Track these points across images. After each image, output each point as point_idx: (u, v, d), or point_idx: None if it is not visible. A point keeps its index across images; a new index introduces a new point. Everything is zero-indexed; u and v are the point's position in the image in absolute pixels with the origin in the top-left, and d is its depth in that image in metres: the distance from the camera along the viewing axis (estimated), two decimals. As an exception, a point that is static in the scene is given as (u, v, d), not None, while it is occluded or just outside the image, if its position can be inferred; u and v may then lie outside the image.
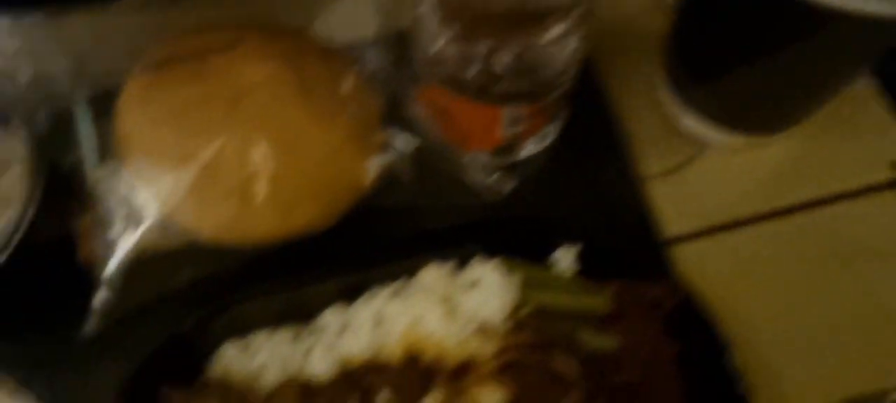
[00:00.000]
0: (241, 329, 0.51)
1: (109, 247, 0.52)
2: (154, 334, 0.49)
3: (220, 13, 0.56)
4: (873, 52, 0.51)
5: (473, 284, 0.49)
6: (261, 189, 0.50)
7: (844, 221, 0.60)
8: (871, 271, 0.57)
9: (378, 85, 0.55)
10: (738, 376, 0.46)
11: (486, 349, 0.47)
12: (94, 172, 0.52)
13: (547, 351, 0.45)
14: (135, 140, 0.51)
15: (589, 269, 0.51)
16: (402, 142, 0.52)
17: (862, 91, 0.64)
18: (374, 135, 0.53)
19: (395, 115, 0.53)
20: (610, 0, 0.65)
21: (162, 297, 0.52)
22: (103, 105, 0.52)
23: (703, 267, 0.56)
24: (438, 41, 0.48)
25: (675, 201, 0.60)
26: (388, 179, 0.54)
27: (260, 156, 0.49)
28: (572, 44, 0.48)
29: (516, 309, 0.48)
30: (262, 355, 0.50)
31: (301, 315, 0.51)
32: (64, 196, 0.53)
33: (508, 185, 0.56)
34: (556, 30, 0.47)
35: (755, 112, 0.59)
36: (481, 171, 0.56)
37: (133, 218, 0.52)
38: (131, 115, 0.51)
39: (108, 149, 0.52)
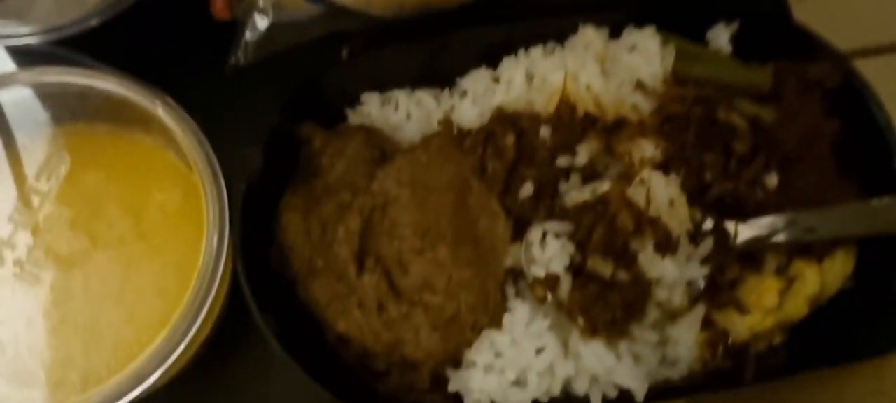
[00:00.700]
0: (382, 85, 0.50)
1: (248, 9, 0.51)
2: (297, 76, 0.49)
3: None
4: None
5: (631, 49, 0.48)
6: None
7: None
8: None
9: None
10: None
11: (644, 106, 0.46)
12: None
13: (710, 105, 0.44)
14: None
15: (745, 52, 0.49)
16: None
17: None
18: None
19: None
20: None
21: (303, 45, 0.51)
22: None
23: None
24: None
25: (823, 23, 0.56)
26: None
27: None
28: None
29: (674, 76, 0.47)
30: (403, 108, 0.50)
31: (441, 79, 0.51)
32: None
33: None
34: None
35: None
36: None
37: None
38: None
39: None
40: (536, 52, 0.48)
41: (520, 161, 0.44)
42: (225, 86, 0.50)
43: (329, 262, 0.44)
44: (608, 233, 0.41)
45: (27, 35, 0.47)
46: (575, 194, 0.43)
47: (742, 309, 0.45)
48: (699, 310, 0.43)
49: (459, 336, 0.42)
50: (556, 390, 0.41)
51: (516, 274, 0.43)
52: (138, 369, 0.39)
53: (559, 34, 0.49)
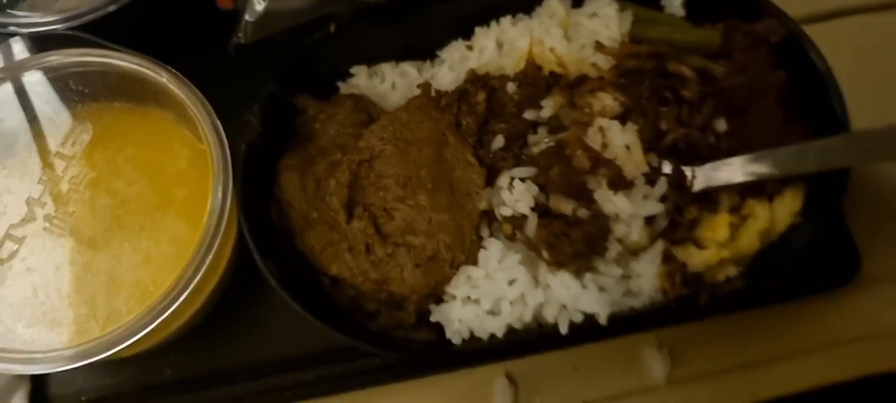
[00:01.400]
0: (370, 59, 0.56)
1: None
2: (292, 53, 0.54)
3: None
4: None
5: (591, 16, 0.52)
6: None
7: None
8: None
9: None
10: (838, 95, 0.49)
11: (603, 64, 0.50)
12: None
13: (662, 58, 0.49)
14: None
15: (697, 16, 0.54)
16: None
17: None
18: None
19: None
20: None
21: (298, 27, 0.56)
22: None
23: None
24: None
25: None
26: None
27: None
28: None
29: (630, 38, 0.51)
30: (388, 79, 0.55)
31: (422, 52, 0.56)
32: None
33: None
34: None
35: None
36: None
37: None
38: None
39: None
40: (506, 21, 0.54)
41: (491, 116, 0.49)
42: (228, 62, 0.55)
43: (322, 213, 0.49)
44: (566, 173, 0.45)
45: (51, 23, 0.52)
46: (540, 143, 0.48)
47: (699, 245, 0.49)
48: (659, 246, 0.48)
49: (439, 272, 0.47)
50: (528, 317, 0.46)
51: (489, 216, 0.48)
52: (154, 306, 0.44)
53: (526, 6, 0.54)
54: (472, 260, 0.47)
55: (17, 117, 0.50)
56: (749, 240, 0.49)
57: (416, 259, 0.46)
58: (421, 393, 0.53)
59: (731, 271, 0.50)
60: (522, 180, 0.46)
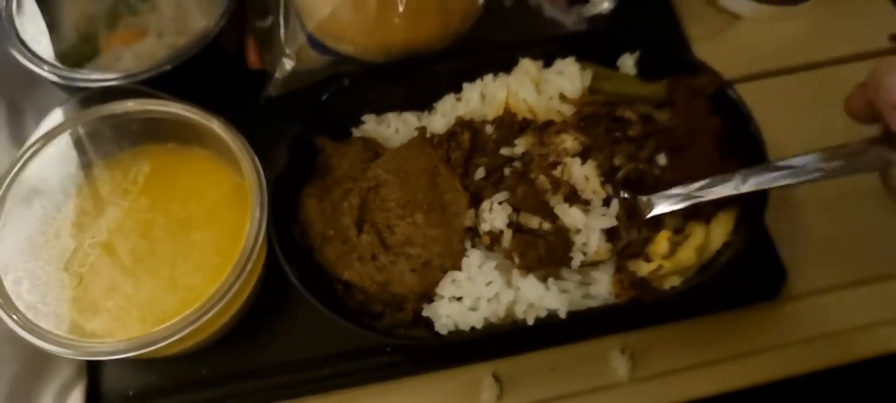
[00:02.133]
0: (378, 109, 0.67)
1: (275, 58, 0.69)
2: (313, 104, 0.66)
3: None
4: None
5: (558, 73, 0.64)
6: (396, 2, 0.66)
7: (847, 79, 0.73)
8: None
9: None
10: (759, 138, 0.60)
11: (567, 111, 0.62)
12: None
13: (614, 105, 0.60)
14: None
15: (646, 73, 0.66)
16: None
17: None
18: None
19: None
20: None
21: (317, 82, 0.68)
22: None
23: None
24: None
25: (714, 58, 0.73)
26: (491, 16, 0.70)
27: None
28: None
29: (590, 91, 0.63)
30: (393, 126, 0.66)
31: (421, 103, 0.68)
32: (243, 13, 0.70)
33: (583, 26, 0.72)
34: None
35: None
36: (561, 14, 0.71)
37: (292, 36, 0.69)
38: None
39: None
40: (488, 78, 0.65)
41: (474, 152, 0.61)
42: (260, 111, 0.67)
43: (337, 231, 0.59)
44: (531, 193, 0.56)
45: (116, 79, 0.63)
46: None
47: (647, 259, 0.60)
48: (613, 260, 0.58)
49: (431, 276, 0.57)
50: (502, 313, 0.56)
51: (472, 232, 0.58)
52: (202, 306, 0.54)
53: (506, 65, 0.65)
54: (458, 267, 0.57)
55: (92, 154, 0.61)
56: (687, 255, 0.59)
57: (413, 265, 0.57)
58: (419, 390, 0.62)
59: (675, 282, 0.60)
60: (499, 203, 0.57)
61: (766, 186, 0.56)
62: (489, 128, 0.60)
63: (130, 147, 0.63)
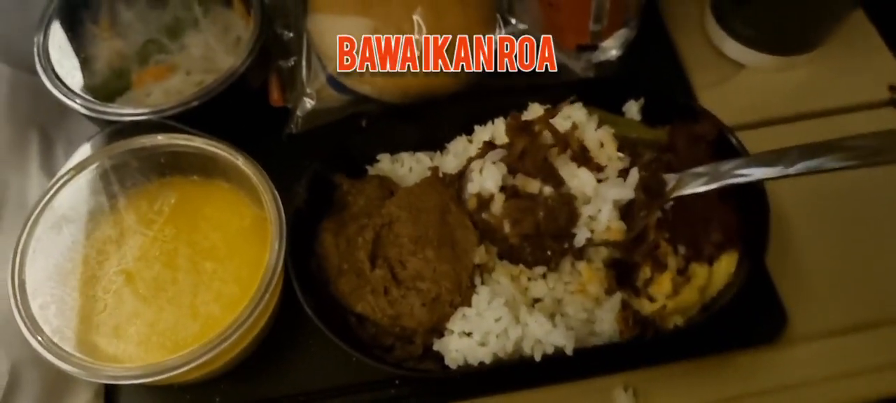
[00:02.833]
0: (393, 148, 0.70)
1: (297, 97, 0.72)
2: (332, 142, 0.69)
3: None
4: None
5: (565, 118, 0.66)
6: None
7: (848, 128, 0.75)
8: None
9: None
10: (760, 184, 0.62)
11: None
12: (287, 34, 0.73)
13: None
14: (322, 3, 0.71)
15: (650, 119, 0.68)
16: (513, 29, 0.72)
17: (864, 24, 0.81)
18: (493, 21, 0.72)
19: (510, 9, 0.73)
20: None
21: (336, 120, 0.71)
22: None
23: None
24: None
25: (717, 105, 0.76)
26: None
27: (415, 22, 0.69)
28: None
29: (595, 135, 0.65)
30: (407, 165, 0.69)
31: (434, 144, 0.70)
32: (268, 54, 0.74)
33: (591, 73, 0.75)
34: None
35: (782, 37, 0.77)
36: (570, 60, 0.74)
37: (314, 76, 0.72)
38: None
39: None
40: (499, 121, 0.68)
41: (483, 191, 0.63)
42: (282, 147, 0.70)
43: (351, 265, 0.62)
44: (532, 149, 0.51)
45: (145, 114, 0.67)
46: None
47: (650, 298, 0.62)
48: (618, 296, 0.60)
49: (441, 311, 0.59)
50: (510, 348, 0.57)
51: (481, 268, 0.60)
52: (221, 334, 0.56)
53: (516, 109, 0.68)
54: (467, 302, 0.59)
55: (120, 184, 0.64)
56: (690, 294, 0.61)
57: (423, 299, 0.59)
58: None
59: (678, 321, 0.62)
60: (494, 163, 0.53)
61: (817, 169, 0.50)
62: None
63: (157, 178, 0.66)
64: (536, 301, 0.60)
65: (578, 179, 0.50)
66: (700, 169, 0.53)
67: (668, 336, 0.60)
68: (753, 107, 0.77)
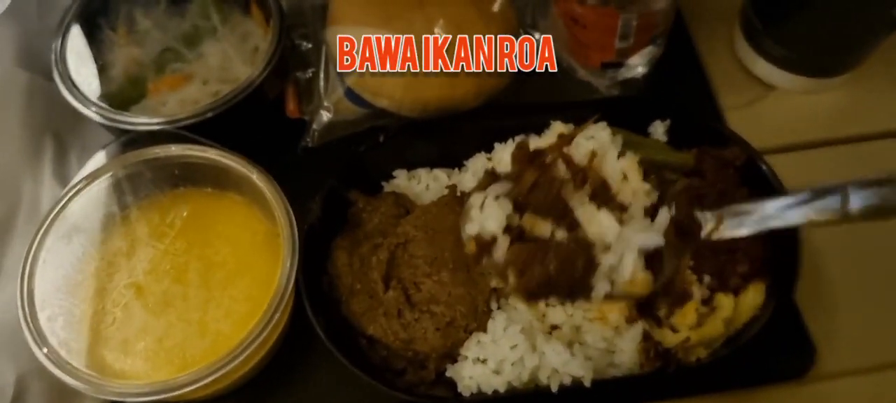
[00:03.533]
0: (409, 164, 0.68)
1: (314, 109, 0.71)
2: (347, 156, 0.67)
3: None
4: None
5: (588, 138, 0.64)
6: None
7: (887, 155, 0.73)
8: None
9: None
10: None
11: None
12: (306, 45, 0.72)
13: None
14: (342, 15, 0.69)
15: (676, 142, 0.66)
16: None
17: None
18: (517, 36, 0.70)
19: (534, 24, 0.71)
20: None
21: (353, 134, 0.69)
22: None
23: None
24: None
25: (746, 128, 0.73)
26: (524, 77, 0.71)
27: (436, 35, 0.67)
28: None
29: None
30: (423, 182, 0.67)
31: (452, 161, 0.69)
32: (285, 64, 0.73)
33: (616, 91, 0.72)
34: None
35: (815, 58, 0.74)
36: (594, 78, 0.72)
37: (331, 88, 0.71)
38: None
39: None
40: (519, 138, 0.66)
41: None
42: (297, 161, 0.69)
43: (364, 285, 0.60)
44: (543, 183, 0.42)
45: (160, 123, 0.66)
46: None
47: (673, 329, 0.59)
48: (639, 326, 0.58)
49: (455, 336, 0.57)
50: (526, 377, 0.55)
51: (497, 293, 0.58)
52: (231, 351, 0.55)
53: (537, 127, 0.66)
54: (482, 328, 0.57)
55: (133, 194, 0.63)
56: (715, 326, 0.58)
57: (437, 324, 0.57)
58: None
59: (702, 353, 0.60)
60: (497, 197, 0.45)
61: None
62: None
63: (170, 189, 0.64)
64: (554, 328, 0.58)
65: (598, 224, 0.42)
66: (742, 206, 0.45)
67: (692, 370, 0.58)
68: (784, 130, 0.75)
